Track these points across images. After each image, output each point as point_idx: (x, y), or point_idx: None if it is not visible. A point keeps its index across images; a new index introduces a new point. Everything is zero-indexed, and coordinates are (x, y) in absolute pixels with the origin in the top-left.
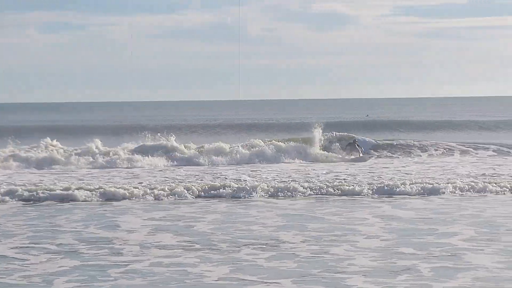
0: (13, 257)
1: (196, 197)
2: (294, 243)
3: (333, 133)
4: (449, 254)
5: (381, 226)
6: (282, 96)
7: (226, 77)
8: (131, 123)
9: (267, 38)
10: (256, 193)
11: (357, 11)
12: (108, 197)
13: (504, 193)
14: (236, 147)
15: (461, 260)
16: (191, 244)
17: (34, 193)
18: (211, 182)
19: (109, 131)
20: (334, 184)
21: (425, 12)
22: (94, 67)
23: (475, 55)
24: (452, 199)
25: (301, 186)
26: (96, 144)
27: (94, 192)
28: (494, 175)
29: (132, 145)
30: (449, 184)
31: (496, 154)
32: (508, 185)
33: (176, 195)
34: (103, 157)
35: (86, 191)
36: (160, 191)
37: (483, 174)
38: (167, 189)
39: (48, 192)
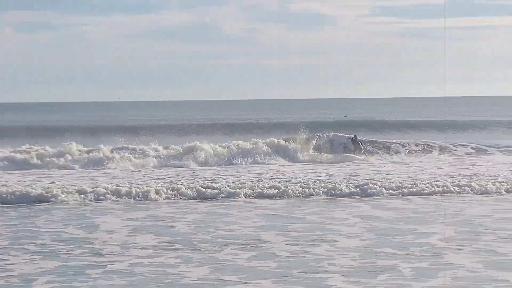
0: None
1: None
2: (275, 243)
3: (323, 134)
4: (429, 253)
5: (361, 226)
6: (260, 96)
7: (205, 77)
8: (109, 124)
9: (245, 38)
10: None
11: (335, 11)
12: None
13: (484, 193)
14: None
15: (441, 259)
16: (171, 244)
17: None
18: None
19: (86, 130)
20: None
21: (404, 12)
22: (71, 67)
23: (454, 55)
24: (431, 198)
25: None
26: (71, 147)
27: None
28: (474, 174)
29: (108, 147)
30: (429, 184)
31: (474, 151)
32: (488, 184)
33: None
34: (84, 157)
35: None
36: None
37: (459, 174)
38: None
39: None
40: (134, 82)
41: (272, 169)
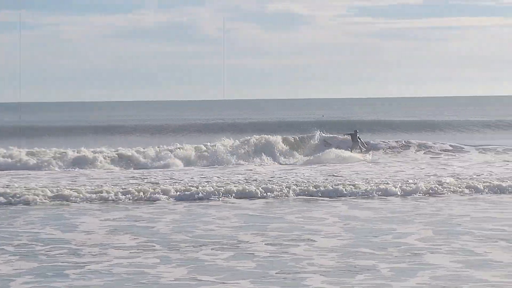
0: None
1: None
2: (253, 243)
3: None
4: (408, 253)
5: (340, 226)
6: (237, 96)
7: (182, 77)
8: (85, 124)
9: (222, 38)
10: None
11: (312, 11)
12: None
13: (461, 193)
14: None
15: (419, 259)
16: (150, 245)
17: None
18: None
19: (60, 131)
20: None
21: (380, 12)
22: (48, 67)
23: (430, 55)
24: (409, 198)
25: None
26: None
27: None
28: (453, 174)
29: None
30: (406, 184)
31: (451, 150)
32: (465, 184)
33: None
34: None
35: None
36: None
37: (435, 175)
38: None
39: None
40: (110, 82)
41: (250, 170)
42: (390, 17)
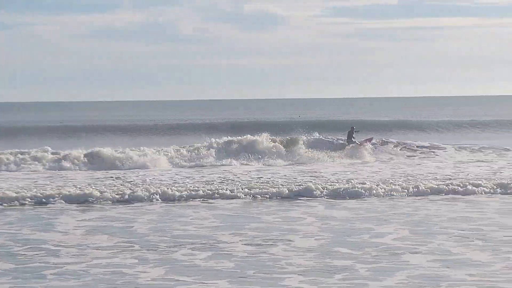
0: None
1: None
2: (231, 243)
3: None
4: (385, 253)
5: (317, 225)
6: (214, 96)
7: (157, 77)
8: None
9: (198, 38)
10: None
11: (288, 11)
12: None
13: (438, 193)
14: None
15: (397, 259)
16: (128, 245)
17: None
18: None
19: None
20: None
21: (355, 13)
22: (23, 66)
23: (405, 55)
24: (386, 198)
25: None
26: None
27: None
28: (428, 174)
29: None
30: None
31: (427, 151)
32: (442, 184)
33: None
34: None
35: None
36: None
37: (407, 175)
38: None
39: None
40: (85, 82)
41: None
42: (365, 18)
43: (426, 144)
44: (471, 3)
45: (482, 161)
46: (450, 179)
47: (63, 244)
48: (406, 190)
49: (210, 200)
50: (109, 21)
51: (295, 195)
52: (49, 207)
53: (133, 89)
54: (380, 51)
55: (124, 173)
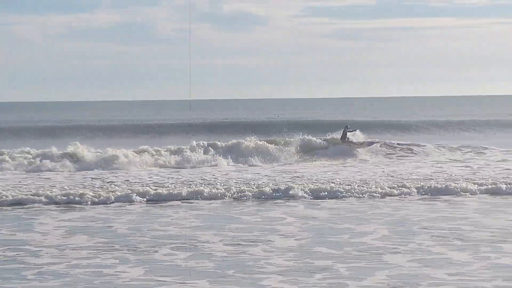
0: None
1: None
2: (212, 243)
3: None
4: (365, 253)
5: (297, 225)
6: (193, 96)
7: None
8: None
9: (177, 38)
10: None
11: (268, 11)
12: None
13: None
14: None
15: (377, 258)
16: (108, 245)
17: None
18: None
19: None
20: None
21: (336, 13)
22: (2, 66)
23: (385, 56)
24: (365, 198)
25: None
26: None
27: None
28: (408, 174)
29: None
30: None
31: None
32: (420, 185)
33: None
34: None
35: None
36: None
37: (387, 175)
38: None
39: None
40: (65, 83)
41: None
42: (345, 18)
43: (406, 142)
44: (449, 3)
45: (460, 160)
46: (430, 179)
47: (43, 245)
48: (383, 190)
49: (191, 201)
50: (88, 21)
51: (275, 195)
52: (28, 208)
53: (112, 90)
54: (359, 51)
55: (101, 174)
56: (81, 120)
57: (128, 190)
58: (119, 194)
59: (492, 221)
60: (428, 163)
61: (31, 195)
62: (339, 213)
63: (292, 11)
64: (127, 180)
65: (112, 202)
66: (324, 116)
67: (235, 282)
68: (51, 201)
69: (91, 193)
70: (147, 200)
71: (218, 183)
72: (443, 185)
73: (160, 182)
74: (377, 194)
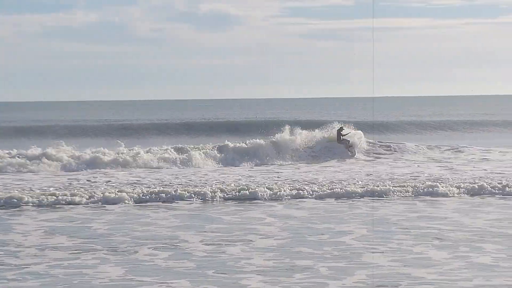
0: None
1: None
2: (192, 243)
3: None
4: (345, 252)
5: (277, 225)
6: (170, 97)
7: (113, 77)
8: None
9: (154, 38)
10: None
11: (245, 11)
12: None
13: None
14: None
15: (357, 258)
16: (89, 246)
17: None
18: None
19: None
20: None
21: (314, 13)
22: None
23: (363, 56)
24: (344, 198)
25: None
26: None
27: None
28: (386, 174)
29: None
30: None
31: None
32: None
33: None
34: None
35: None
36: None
37: (369, 174)
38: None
39: None
40: (40, 82)
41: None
42: (323, 18)
43: (385, 142)
44: (425, 4)
45: (439, 160)
46: (410, 179)
47: (23, 245)
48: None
49: (170, 201)
50: (63, 20)
51: (254, 196)
52: (6, 208)
53: (88, 89)
54: (337, 51)
55: (80, 174)
56: (50, 120)
57: (110, 191)
58: (100, 194)
59: (471, 220)
60: (407, 162)
61: (9, 196)
62: (319, 213)
63: (269, 12)
64: (109, 181)
65: (92, 202)
66: (304, 117)
67: (215, 282)
68: (30, 202)
69: (68, 193)
70: (127, 201)
71: (200, 184)
72: (425, 188)
73: (137, 183)
74: (357, 195)
